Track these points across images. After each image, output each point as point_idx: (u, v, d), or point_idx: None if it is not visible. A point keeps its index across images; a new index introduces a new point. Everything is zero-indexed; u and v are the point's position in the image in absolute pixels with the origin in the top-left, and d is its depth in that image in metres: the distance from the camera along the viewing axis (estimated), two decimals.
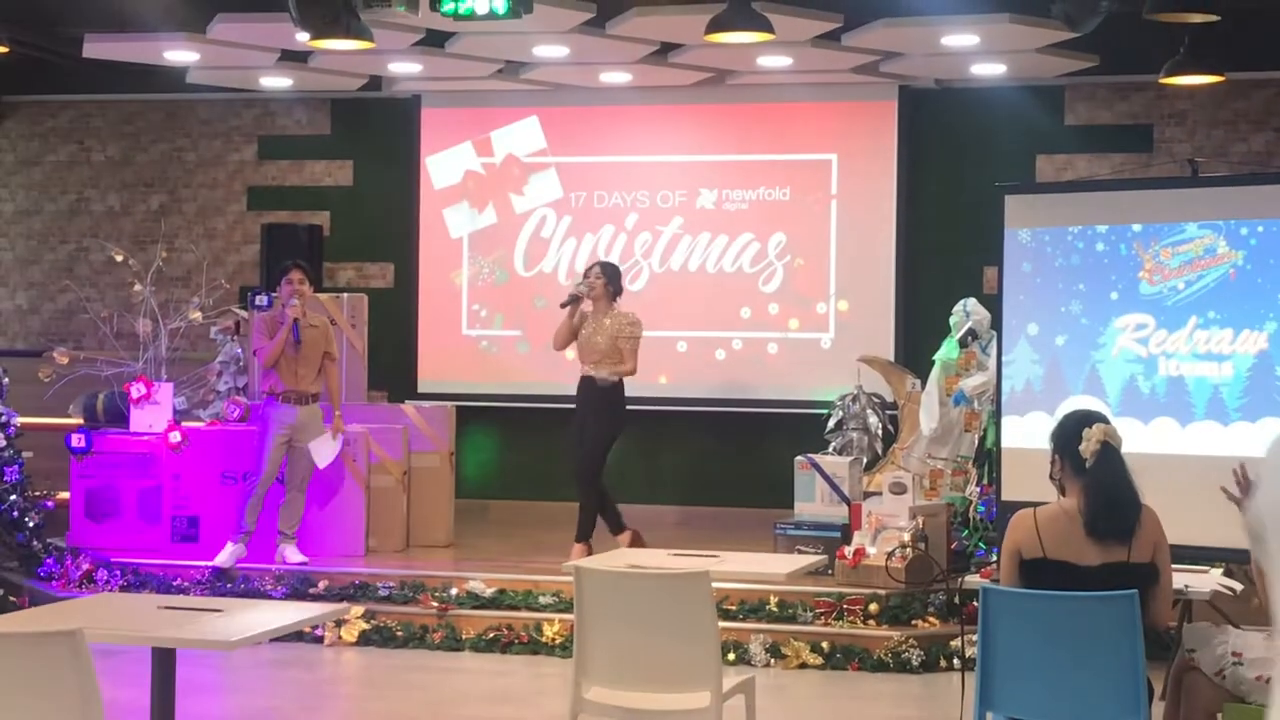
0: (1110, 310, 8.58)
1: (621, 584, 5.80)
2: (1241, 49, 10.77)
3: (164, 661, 5.24)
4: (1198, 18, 8.60)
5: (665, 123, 13.09)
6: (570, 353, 10.64)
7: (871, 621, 9.13)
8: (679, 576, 5.81)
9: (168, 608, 5.45)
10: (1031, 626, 5.22)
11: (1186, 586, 6.03)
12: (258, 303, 10.66)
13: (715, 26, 8.84)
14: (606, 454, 10.36)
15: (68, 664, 4.36)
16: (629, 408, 10.54)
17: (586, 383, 10.31)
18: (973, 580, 6.53)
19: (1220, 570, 6.77)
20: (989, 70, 11.95)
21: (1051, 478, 5.46)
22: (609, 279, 10.34)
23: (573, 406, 10.53)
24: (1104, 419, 5.42)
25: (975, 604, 8.31)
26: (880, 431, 11.31)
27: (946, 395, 10.53)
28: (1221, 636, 5.69)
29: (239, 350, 11.57)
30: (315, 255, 13.19)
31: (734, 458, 12.90)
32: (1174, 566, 5.44)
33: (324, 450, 10.28)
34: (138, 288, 11.73)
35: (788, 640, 9.04)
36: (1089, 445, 5.29)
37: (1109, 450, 5.29)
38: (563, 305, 10.38)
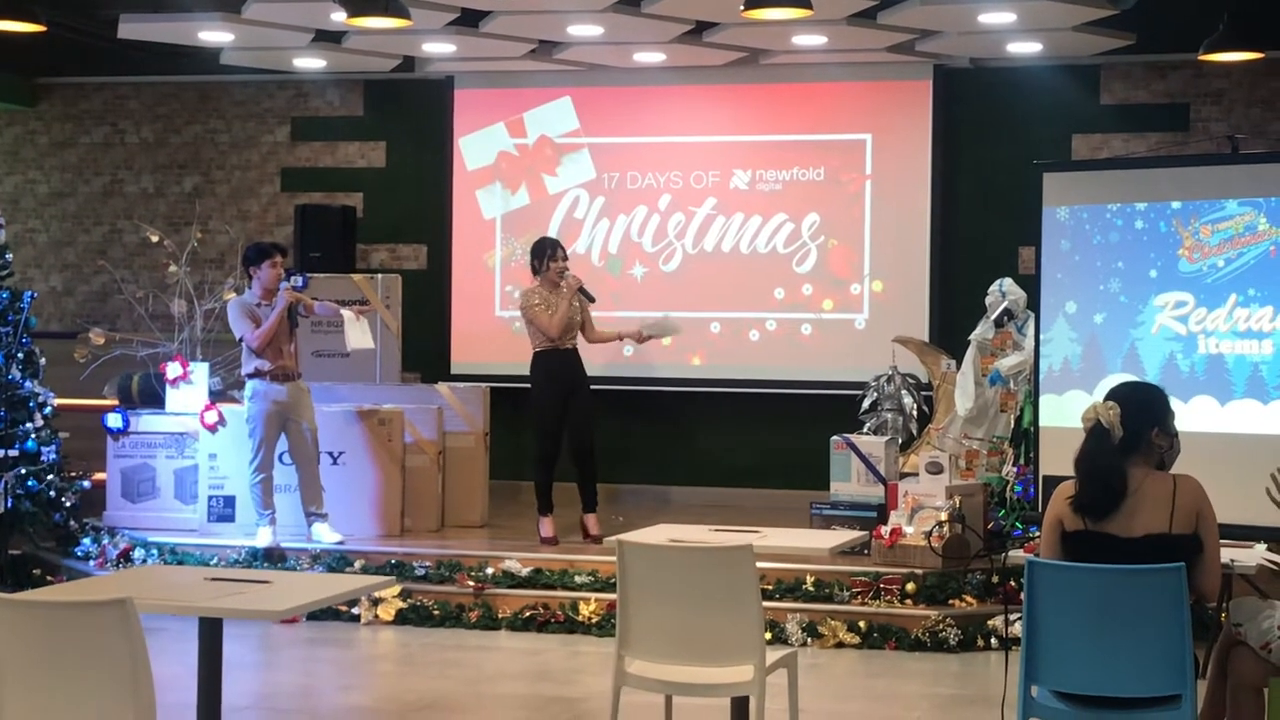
0: (1149, 288, 8.55)
1: (664, 557, 5.79)
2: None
3: (211, 632, 5.25)
4: None
5: (699, 103, 13.05)
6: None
7: (909, 601, 9.11)
8: (722, 550, 5.79)
9: (214, 579, 5.47)
10: (1077, 599, 5.18)
11: (1233, 561, 6.02)
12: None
13: (752, 2, 8.79)
14: None
15: (118, 633, 4.37)
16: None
17: (576, 356, 10.42)
18: (1017, 555, 6.50)
19: (1264, 546, 6.74)
20: (1024, 49, 11.89)
21: None
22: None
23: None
24: (1119, 394, 5.35)
25: (1014, 583, 8.34)
26: (915, 412, 11.27)
27: (982, 375, 10.50)
28: (1268, 611, 5.65)
29: None
30: (348, 236, 13.21)
31: (767, 439, 12.87)
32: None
33: (355, 335, 10.40)
34: (172, 269, 11.75)
35: (824, 619, 9.03)
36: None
37: (1094, 429, 5.27)
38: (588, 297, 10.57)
